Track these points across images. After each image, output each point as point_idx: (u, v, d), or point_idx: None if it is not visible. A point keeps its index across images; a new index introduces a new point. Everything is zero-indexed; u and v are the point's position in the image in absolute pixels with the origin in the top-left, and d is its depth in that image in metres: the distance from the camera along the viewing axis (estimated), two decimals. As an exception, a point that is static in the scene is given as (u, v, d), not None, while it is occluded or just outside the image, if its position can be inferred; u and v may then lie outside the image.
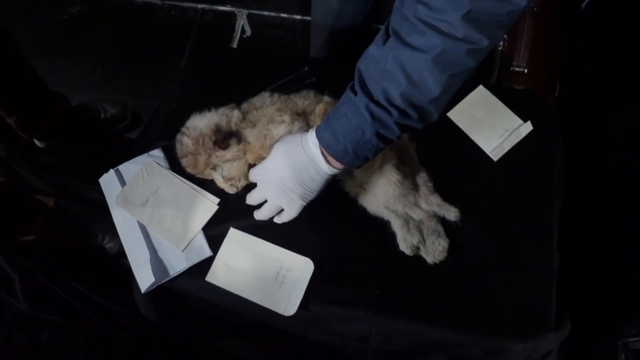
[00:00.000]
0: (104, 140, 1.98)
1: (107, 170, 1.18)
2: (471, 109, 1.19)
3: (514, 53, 1.39)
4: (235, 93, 1.22)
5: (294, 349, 1.33)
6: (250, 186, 1.11)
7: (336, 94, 1.12)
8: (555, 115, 1.21)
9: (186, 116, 1.14)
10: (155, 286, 1.03)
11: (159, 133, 1.22)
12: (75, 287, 1.48)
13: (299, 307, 1.01)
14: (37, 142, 1.86)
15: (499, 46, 1.48)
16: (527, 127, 1.17)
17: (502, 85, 1.26)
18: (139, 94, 2.16)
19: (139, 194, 1.11)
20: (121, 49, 2.30)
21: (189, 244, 1.06)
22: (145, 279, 1.03)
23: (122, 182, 1.13)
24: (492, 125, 1.17)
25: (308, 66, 1.26)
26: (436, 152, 1.13)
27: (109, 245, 1.60)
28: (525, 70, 1.39)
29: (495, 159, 1.14)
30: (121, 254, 1.12)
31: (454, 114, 1.19)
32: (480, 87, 1.21)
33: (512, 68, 1.39)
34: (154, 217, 1.09)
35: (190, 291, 1.10)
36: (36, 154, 1.88)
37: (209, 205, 1.10)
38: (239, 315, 1.12)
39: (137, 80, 2.21)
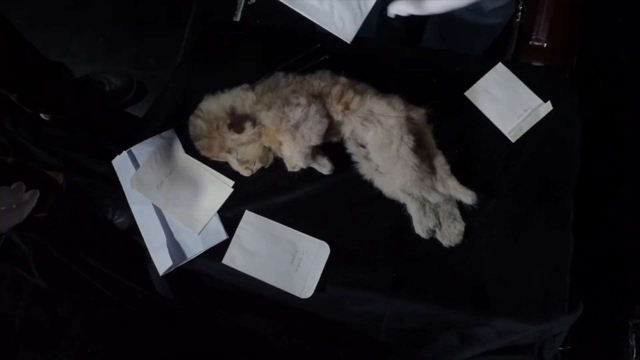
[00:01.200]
0: (109, 113, 1.96)
1: (114, 145, 1.18)
2: (490, 87, 1.16)
3: (533, 27, 1.35)
4: (246, 70, 1.20)
5: (308, 325, 1.35)
6: (265, 169, 1.10)
7: (351, 73, 1.11)
8: (575, 94, 1.18)
9: (197, 95, 1.12)
10: (172, 269, 1.04)
11: (169, 113, 1.20)
12: (89, 264, 1.49)
13: (315, 289, 1.02)
14: (42, 115, 1.84)
15: (517, 18, 1.44)
16: (547, 108, 1.14)
17: (521, 62, 1.23)
18: (142, 64, 2.12)
19: (153, 176, 1.10)
20: (123, 17, 2.25)
21: (205, 227, 1.07)
22: (162, 262, 1.04)
23: (136, 164, 1.12)
24: (510, 105, 1.14)
25: (320, 42, 1.23)
26: (453, 134, 1.12)
27: (119, 220, 1.60)
28: (545, 45, 1.35)
29: (513, 140, 1.13)
30: (132, 229, 1.12)
31: (472, 93, 1.16)
32: (500, 65, 1.18)
33: (530, 42, 1.35)
34: (169, 200, 1.08)
35: (206, 272, 1.11)
36: (42, 127, 1.86)
37: (224, 187, 1.09)
38: (254, 294, 1.14)
39: (140, 49, 2.17)
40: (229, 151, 1.07)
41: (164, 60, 2.14)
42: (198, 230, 1.06)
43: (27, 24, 2.24)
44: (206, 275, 1.13)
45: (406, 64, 1.22)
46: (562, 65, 1.38)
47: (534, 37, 1.35)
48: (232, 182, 1.10)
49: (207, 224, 1.07)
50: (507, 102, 1.15)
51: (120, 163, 1.13)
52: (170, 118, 1.19)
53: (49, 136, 1.86)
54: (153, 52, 2.17)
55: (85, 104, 1.90)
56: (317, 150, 1.08)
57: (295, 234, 1.06)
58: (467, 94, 1.16)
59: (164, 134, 1.14)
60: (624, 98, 1.43)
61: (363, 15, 1.14)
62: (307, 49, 1.22)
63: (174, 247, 1.05)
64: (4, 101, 1.69)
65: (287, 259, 1.05)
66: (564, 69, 1.39)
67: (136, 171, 1.11)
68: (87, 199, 1.64)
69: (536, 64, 1.31)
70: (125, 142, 1.17)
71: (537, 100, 1.15)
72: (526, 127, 1.13)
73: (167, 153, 1.12)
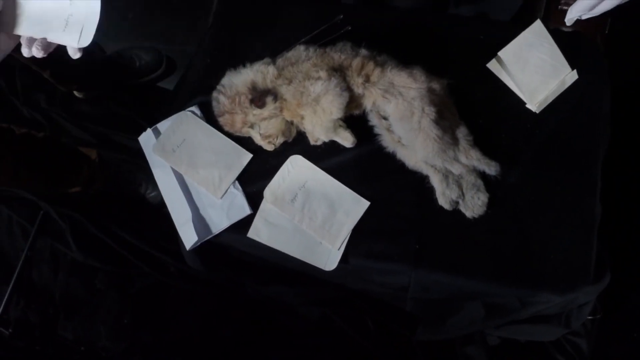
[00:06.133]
0: (140, 89, 1.99)
1: (145, 120, 1.19)
2: (524, 49, 1.12)
3: (562, -8, 1.30)
4: (268, 44, 1.20)
5: (336, 295, 1.38)
6: (288, 143, 1.11)
7: (373, 45, 1.10)
8: (604, 61, 1.15)
9: (221, 70, 1.13)
10: (199, 244, 1.07)
11: (194, 88, 1.22)
12: (123, 237, 1.54)
13: (339, 261, 1.04)
14: (76, 93, 1.89)
15: (546, -18, 1.39)
16: (573, 76, 1.11)
17: (549, 27, 1.19)
18: (171, 38, 2.13)
19: (174, 142, 1.13)
20: (151, -9, 2.26)
21: (226, 192, 1.09)
22: (189, 237, 1.06)
23: (161, 140, 1.15)
24: (540, 75, 1.11)
25: (342, 13, 1.22)
26: (477, 105, 1.10)
27: (152, 194, 1.65)
28: (573, 9, 1.30)
29: (537, 111, 1.10)
30: (164, 204, 1.15)
31: (506, 54, 1.12)
32: (538, 23, 1.13)
33: (559, 7, 1.30)
34: (189, 165, 1.11)
35: (234, 245, 1.14)
36: (76, 105, 1.91)
37: (243, 153, 1.11)
38: (281, 266, 1.16)
39: (170, 24, 2.18)
40: (252, 126, 1.08)
41: (193, 34, 2.15)
42: (219, 194, 1.08)
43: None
44: (234, 248, 1.16)
45: (429, 33, 1.20)
46: (593, 30, 1.33)
47: (563, 1, 1.30)
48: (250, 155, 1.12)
49: (228, 188, 1.08)
50: (536, 71, 1.11)
51: (147, 140, 1.16)
52: (194, 94, 1.20)
53: (82, 113, 1.91)
54: (182, 27, 2.18)
55: (116, 81, 1.94)
56: (340, 124, 1.08)
57: (319, 207, 1.07)
58: (502, 53, 1.12)
59: (188, 110, 1.16)
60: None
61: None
62: (329, 21, 1.21)
63: (200, 222, 1.07)
64: (39, 79, 1.74)
65: (311, 232, 1.06)
66: (596, 34, 1.34)
67: (158, 138, 1.13)
68: (121, 174, 1.69)
69: (565, 29, 1.26)
70: (156, 117, 1.20)
71: (567, 68, 1.11)
72: (552, 97, 1.10)
73: (189, 120, 1.14)
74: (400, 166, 1.08)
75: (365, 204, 1.06)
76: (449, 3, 1.30)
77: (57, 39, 0.84)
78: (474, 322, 1.19)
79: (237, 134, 1.11)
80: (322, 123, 1.03)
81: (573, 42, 1.17)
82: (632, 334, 1.26)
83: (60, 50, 1.62)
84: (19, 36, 0.84)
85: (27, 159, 1.40)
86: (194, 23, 2.17)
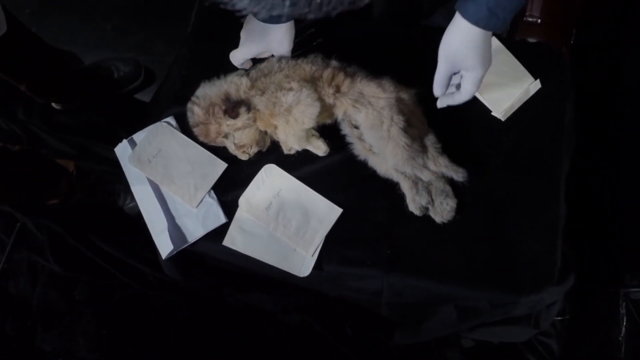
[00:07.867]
0: (119, 100, 2.00)
1: (124, 131, 1.21)
2: None
3: (527, 3, 1.35)
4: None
5: (312, 301, 1.40)
6: (263, 152, 1.13)
7: (343, 57, 1.13)
8: (568, 70, 1.19)
9: (196, 81, 1.15)
10: (175, 252, 1.08)
11: (170, 99, 1.24)
12: (102, 248, 1.55)
13: (313, 268, 1.06)
14: (54, 105, 1.89)
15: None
16: (536, 85, 1.15)
17: (513, 38, 1.23)
18: (151, 49, 2.15)
19: (150, 153, 1.15)
20: (130, 3, 2.28)
21: (201, 201, 1.10)
22: (164, 246, 1.08)
23: (137, 151, 1.16)
24: (503, 85, 1.15)
25: (315, 26, 1.25)
26: (445, 113, 1.12)
27: (130, 205, 1.66)
28: (539, 21, 1.35)
29: (503, 119, 1.14)
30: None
31: None
32: (494, 40, 1.18)
33: (524, 18, 1.35)
34: (165, 175, 1.12)
35: (210, 254, 1.15)
36: (54, 116, 1.91)
37: (218, 163, 1.13)
38: (259, 273, 1.18)
39: (149, 35, 2.20)
40: (226, 136, 1.10)
41: (172, 45, 2.16)
42: (195, 204, 1.10)
43: (38, 13, 2.28)
44: (211, 256, 1.17)
45: (399, 45, 1.23)
46: (559, 40, 1.38)
47: (528, 13, 1.35)
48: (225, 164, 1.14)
49: (203, 198, 1.10)
50: (499, 81, 1.14)
51: (123, 150, 1.17)
52: (171, 105, 1.22)
53: (61, 124, 1.92)
54: (161, 38, 2.20)
55: (94, 92, 1.95)
56: (312, 133, 1.11)
57: (293, 215, 1.09)
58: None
59: (164, 121, 1.18)
60: (622, 70, 1.42)
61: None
62: (301, 34, 1.24)
63: (175, 231, 1.09)
64: (16, 91, 1.74)
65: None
66: (561, 44, 1.38)
67: (134, 149, 1.15)
68: (99, 185, 1.69)
69: (531, 40, 1.31)
70: (135, 128, 1.21)
71: (529, 79, 1.15)
72: (517, 106, 1.14)
73: (164, 131, 1.16)
74: (372, 174, 1.11)
75: (338, 211, 1.08)
76: (419, 14, 1.34)
77: None
78: (447, 325, 1.22)
79: (212, 144, 1.13)
80: (294, 132, 1.06)
81: (538, 52, 1.21)
82: (598, 333, 1.30)
83: (35, 63, 1.63)
84: None
85: (2, 174, 1.40)
86: (173, 34, 2.19)
